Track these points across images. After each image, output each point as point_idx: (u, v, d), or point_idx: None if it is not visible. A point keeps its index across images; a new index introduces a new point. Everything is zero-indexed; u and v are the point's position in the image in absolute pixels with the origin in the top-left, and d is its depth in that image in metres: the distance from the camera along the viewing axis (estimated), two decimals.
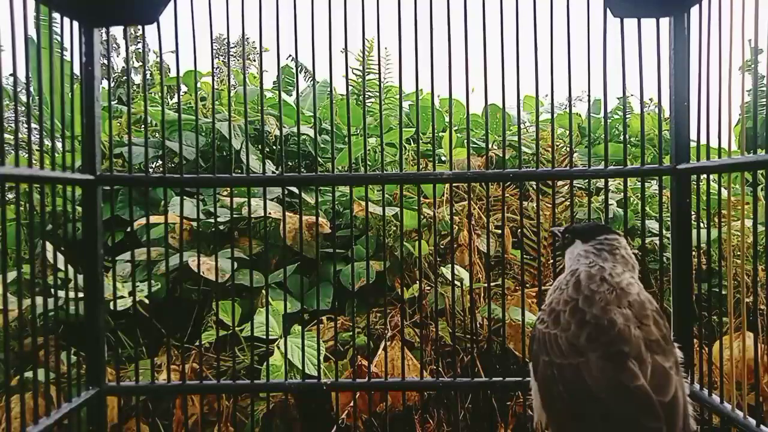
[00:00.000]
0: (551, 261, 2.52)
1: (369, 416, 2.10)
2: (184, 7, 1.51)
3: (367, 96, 3.55)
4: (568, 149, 2.89)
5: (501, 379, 1.60)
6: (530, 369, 1.16)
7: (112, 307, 1.84)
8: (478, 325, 2.31)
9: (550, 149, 2.28)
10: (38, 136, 1.47)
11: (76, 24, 1.47)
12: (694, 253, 1.52)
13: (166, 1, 1.50)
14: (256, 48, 3.22)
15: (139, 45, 3.86)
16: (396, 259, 2.50)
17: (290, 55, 1.77)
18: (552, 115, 1.68)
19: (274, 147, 3.41)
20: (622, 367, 1.00)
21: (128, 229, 2.29)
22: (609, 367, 1.00)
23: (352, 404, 2.04)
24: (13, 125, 1.61)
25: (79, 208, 1.54)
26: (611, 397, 0.97)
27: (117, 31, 3.10)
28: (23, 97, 2.96)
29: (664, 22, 1.51)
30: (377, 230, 2.68)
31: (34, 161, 1.36)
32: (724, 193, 1.77)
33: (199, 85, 3.39)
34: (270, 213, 2.31)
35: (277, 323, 2.18)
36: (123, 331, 2.41)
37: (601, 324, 1.04)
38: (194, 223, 2.25)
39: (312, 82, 3.88)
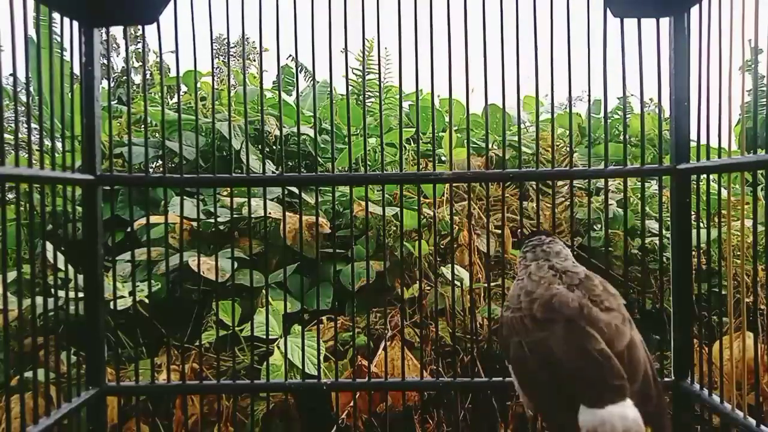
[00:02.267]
0: None
1: (369, 416, 2.10)
2: (184, 7, 1.51)
3: (367, 96, 3.55)
4: (568, 149, 2.89)
5: (501, 379, 1.60)
6: (504, 356, 1.24)
7: (112, 307, 1.84)
8: (478, 325, 2.31)
9: (550, 149, 2.28)
10: (38, 136, 1.47)
11: (76, 24, 1.47)
12: (694, 253, 1.52)
13: (166, 1, 1.50)
14: (256, 48, 3.22)
15: (139, 45, 3.86)
16: (396, 259, 2.50)
17: (290, 55, 1.77)
18: (552, 115, 1.68)
19: (274, 147, 3.40)
20: (583, 333, 1.09)
21: (128, 229, 2.29)
22: (571, 336, 1.09)
23: (352, 404, 2.04)
24: (13, 125, 1.61)
25: (79, 208, 1.54)
26: (578, 363, 1.06)
27: (117, 31, 3.09)
28: (23, 97, 2.96)
29: (664, 22, 1.51)
30: (377, 230, 2.68)
31: (34, 161, 1.36)
32: (724, 193, 1.77)
33: (199, 85, 3.39)
34: (270, 213, 2.31)
35: (277, 323, 2.18)
36: (123, 331, 2.41)
37: (547, 299, 1.16)
38: (194, 223, 2.25)
39: (312, 82, 3.88)
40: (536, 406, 1.15)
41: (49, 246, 1.44)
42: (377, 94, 2.92)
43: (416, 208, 1.75)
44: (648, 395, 1.06)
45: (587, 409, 1.02)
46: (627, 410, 1.01)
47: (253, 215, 1.88)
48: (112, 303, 1.79)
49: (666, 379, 1.52)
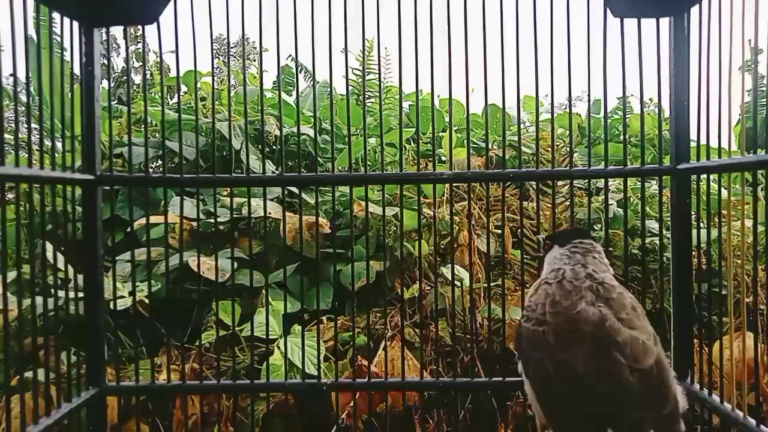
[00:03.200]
0: None
1: (369, 416, 2.10)
2: (184, 7, 1.51)
3: (367, 96, 3.55)
4: (568, 149, 2.89)
5: (501, 379, 1.60)
6: (520, 367, 1.19)
7: (112, 307, 1.84)
8: (478, 325, 2.31)
9: (550, 149, 2.28)
10: (38, 136, 1.47)
11: (76, 24, 1.47)
12: (694, 253, 1.52)
13: (166, 1, 1.50)
14: (256, 48, 3.22)
15: (139, 45, 3.86)
16: (396, 259, 2.50)
17: (290, 55, 1.77)
18: (552, 115, 1.68)
19: (274, 147, 3.41)
20: (610, 356, 1.04)
21: (128, 229, 2.29)
22: (599, 357, 1.04)
23: (352, 404, 2.04)
24: (13, 125, 1.61)
25: (79, 208, 1.54)
26: (608, 389, 1.02)
27: (117, 31, 3.09)
28: (23, 97, 2.96)
29: (664, 22, 1.51)
30: (377, 230, 2.68)
31: (34, 161, 1.36)
32: (724, 193, 1.77)
33: (199, 85, 3.39)
34: (270, 213, 2.31)
35: (277, 323, 2.18)
36: (123, 331, 2.41)
37: (574, 316, 1.10)
38: (194, 223, 2.25)
39: (312, 82, 3.88)
40: (556, 425, 1.09)
41: (49, 246, 1.44)
42: (377, 94, 2.92)
43: (416, 208, 1.75)
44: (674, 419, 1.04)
45: None
46: None
47: (253, 215, 1.88)
48: (112, 303, 1.79)
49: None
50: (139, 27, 1.60)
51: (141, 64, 2.40)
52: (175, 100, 3.83)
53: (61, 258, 1.67)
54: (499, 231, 2.44)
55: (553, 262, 1.27)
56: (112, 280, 1.75)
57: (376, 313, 2.56)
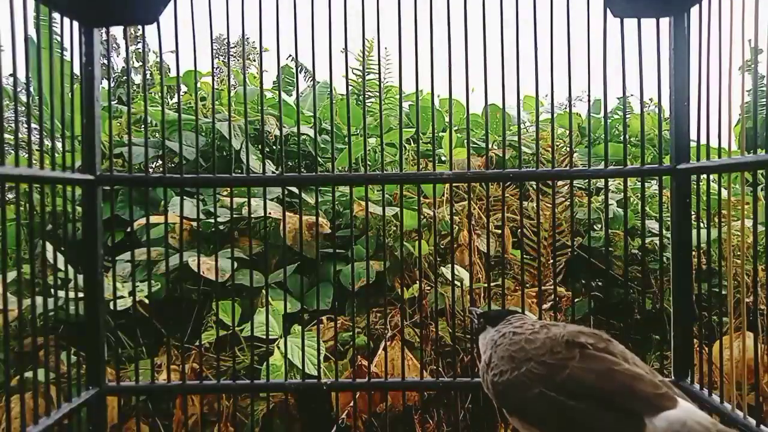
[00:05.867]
0: (551, 261, 2.52)
1: (369, 416, 2.10)
2: (184, 7, 1.51)
3: (367, 96, 3.55)
4: (568, 149, 2.89)
5: None
6: (519, 423, 1.13)
7: (112, 307, 1.84)
8: None
9: (550, 149, 2.28)
10: (38, 136, 1.47)
11: (76, 24, 1.47)
12: (694, 253, 1.52)
13: (166, 1, 1.50)
14: (256, 48, 3.22)
15: (139, 45, 3.85)
16: (396, 259, 2.50)
17: (290, 55, 1.77)
18: (552, 115, 1.68)
19: (274, 147, 3.41)
20: (602, 358, 1.05)
21: (128, 229, 2.29)
22: (593, 362, 1.04)
23: (352, 404, 2.04)
24: (13, 125, 1.61)
25: (79, 208, 1.54)
26: (617, 382, 1.01)
27: (117, 31, 3.09)
28: (23, 97, 2.96)
29: (664, 22, 1.51)
30: (377, 230, 2.68)
31: (34, 161, 1.36)
32: (724, 193, 1.77)
33: (199, 85, 3.39)
34: (270, 213, 2.31)
35: (277, 323, 2.18)
36: (123, 331, 2.41)
37: (547, 339, 1.10)
38: (194, 223, 2.25)
39: (312, 82, 3.88)
40: None
41: (49, 246, 1.44)
42: (377, 94, 2.92)
43: (416, 208, 1.75)
44: None
45: (652, 417, 0.96)
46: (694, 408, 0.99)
47: (253, 215, 1.88)
48: (112, 303, 1.79)
49: (666, 379, 1.52)
50: (139, 27, 1.60)
51: (141, 64, 2.40)
52: (175, 100, 3.82)
53: (61, 258, 1.68)
54: (499, 231, 2.44)
55: (490, 341, 1.26)
56: (112, 280, 1.75)
57: (376, 313, 2.56)
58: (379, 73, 2.16)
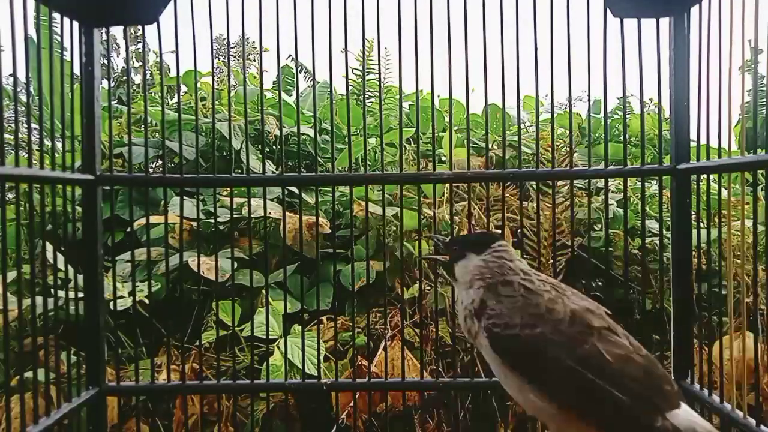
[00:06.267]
0: (551, 261, 2.51)
1: (369, 416, 2.10)
2: (184, 7, 1.51)
3: (367, 96, 3.54)
4: (568, 149, 2.89)
5: None
6: (518, 382, 1.07)
7: (112, 307, 1.84)
8: None
9: (550, 149, 2.27)
10: (38, 136, 1.47)
11: (76, 24, 1.47)
12: (694, 253, 1.52)
13: (166, 1, 1.50)
14: (256, 48, 3.22)
15: (139, 45, 3.86)
16: (396, 259, 2.50)
17: (290, 55, 1.77)
18: (552, 115, 1.68)
19: (274, 147, 3.40)
20: (620, 343, 1.04)
21: (128, 229, 2.29)
22: (611, 347, 1.03)
23: (352, 404, 2.04)
24: (13, 125, 1.61)
25: (79, 208, 1.54)
26: (628, 370, 1.01)
27: (117, 31, 3.09)
28: (23, 97, 2.96)
29: (664, 22, 1.51)
30: (377, 230, 2.68)
31: (34, 161, 1.36)
32: (724, 193, 1.77)
33: (199, 85, 3.39)
34: (270, 213, 2.31)
35: (277, 323, 2.18)
36: (123, 331, 2.41)
37: (565, 310, 1.06)
38: (194, 223, 2.25)
39: (312, 82, 3.88)
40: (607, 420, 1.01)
41: (49, 246, 1.44)
42: (377, 94, 2.92)
43: (416, 208, 1.75)
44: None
45: (667, 412, 0.98)
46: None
47: (253, 215, 1.88)
48: (112, 303, 1.79)
49: None
50: (139, 27, 1.60)
51: (141, 64, 2.40)
52: (175, 100, 3.82)
53: (61, 258, 1.67)
54: (499, 231, 2.44)
55: (476, 270, 1.17)
56: (112, 280, 1.75)
57: (376, 313, 2.56)
58: (379, 73, 2.16)
